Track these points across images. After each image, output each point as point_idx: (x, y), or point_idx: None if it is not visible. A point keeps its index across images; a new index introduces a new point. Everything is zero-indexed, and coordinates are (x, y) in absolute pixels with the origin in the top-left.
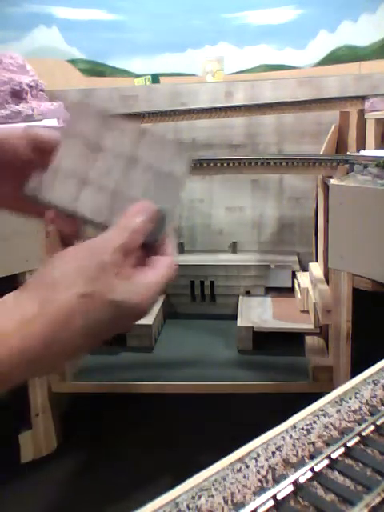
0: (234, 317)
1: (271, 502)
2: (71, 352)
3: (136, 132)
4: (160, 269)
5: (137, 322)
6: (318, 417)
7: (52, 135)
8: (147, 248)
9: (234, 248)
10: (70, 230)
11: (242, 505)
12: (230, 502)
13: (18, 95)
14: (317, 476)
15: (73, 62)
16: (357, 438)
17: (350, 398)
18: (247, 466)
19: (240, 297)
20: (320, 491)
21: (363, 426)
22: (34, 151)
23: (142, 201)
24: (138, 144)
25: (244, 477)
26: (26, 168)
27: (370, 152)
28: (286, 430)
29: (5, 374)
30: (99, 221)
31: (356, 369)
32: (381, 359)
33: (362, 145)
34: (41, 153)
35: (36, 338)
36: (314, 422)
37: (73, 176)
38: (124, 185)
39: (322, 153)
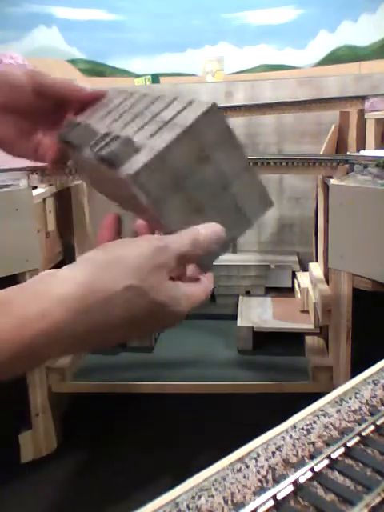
0: (234, 317)
1: (271, 502)
2: (100, 337)
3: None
4: (202, 286)
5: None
6: (317, 417)
7: (57, 82)
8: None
9: (233, 248)
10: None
11: (242, 505)
12: (229, 502)
13: None
14: (317, 476)
15: (73, 61)
16: (357, 438)
17: (350, 398)
18: (247, 466)
19: (240, 297)
20: (320, 491)
21: (363, 425)
22: (37, 95)
23: (219, 225)
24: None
25: (244, 477)
26: (28, 111)
27: (370, 152)
28: (286, 430)
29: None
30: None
31: (356, 369)
32: (381, 359)
33: (361, 145)
34: (44, 99)
35: (69, 311)
36: (314, 422)
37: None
38: (216, 214)
39: (322, 153)
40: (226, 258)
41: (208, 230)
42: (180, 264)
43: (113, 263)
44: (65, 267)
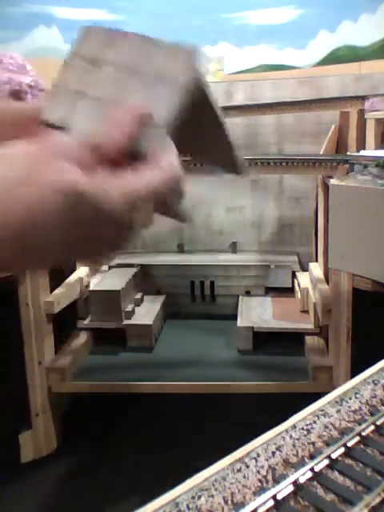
0: (234, 317)
1: (271, 502)
2: (18, 251)
3: (144, 43)
4: (145, 171)
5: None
6: (317, 417)
7: (33, 107)
8: (138, 159)
9: (234, 248)
10: None
11: (242, 505)
12: (229, 502)
13: (17, 95)
14: (317, 476)
15: None
16: (357, 438)
17: (350, 398)
18: (247, 466)
19: (240, 297)
20: (320, 491)
21: (363, 425)
22: (15, 122)
23: (128, 104)
24: (141, 54)
25: (244, 477)
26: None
27: (370, 152)
28: (286, 430)
29: None
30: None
31: (356, 369)
32: (381, 359)
33: (361, 145)
34: (22, 126)
35: None
36: (314, 422)
37: (70, 93)
38: (121, 95)
39: (322, 153)
40: (225, 258)
41: (115, 114)
42: (98, 156)
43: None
44: None
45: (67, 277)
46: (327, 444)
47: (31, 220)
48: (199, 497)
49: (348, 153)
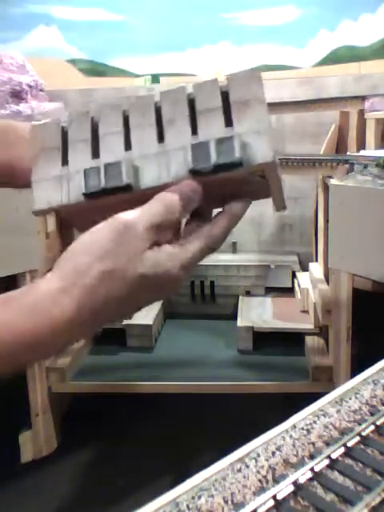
0: (234, 317)
1: (271, 502)
2: (95, 324)
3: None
4: (194, 241)
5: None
6: (318, 417)
7: (25, 126)
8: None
9: (233, 248)
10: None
11: (242, 505)
12: (230, 502)
13: (17, 95)
14: (317, 476)
15: (73, 61)
16: (357, 438)
17: (350, 398)
18: (247, 466)
19: (240, 297)
20: (320, 491)
21: (363, 426)
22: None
23: (188, 180)
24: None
25: (244, 477)
26: None
27: (370, 152)
28: (286, 430)
29: (13, 357)
30: (163, 182)
31: (356, 369)
32: (381, 359)
33: (361, 145)
34: (8, 145)
35: (48, 322)
36: (314, 422)
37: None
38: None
39: (322, 153)
40: (225, 258)
41: (176, 189)
42: (158, 233)
43: (79, 253)
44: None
45: None
46: (327, 444)
47: (105, 301)
48: (199, 497)
49: (348, 153)
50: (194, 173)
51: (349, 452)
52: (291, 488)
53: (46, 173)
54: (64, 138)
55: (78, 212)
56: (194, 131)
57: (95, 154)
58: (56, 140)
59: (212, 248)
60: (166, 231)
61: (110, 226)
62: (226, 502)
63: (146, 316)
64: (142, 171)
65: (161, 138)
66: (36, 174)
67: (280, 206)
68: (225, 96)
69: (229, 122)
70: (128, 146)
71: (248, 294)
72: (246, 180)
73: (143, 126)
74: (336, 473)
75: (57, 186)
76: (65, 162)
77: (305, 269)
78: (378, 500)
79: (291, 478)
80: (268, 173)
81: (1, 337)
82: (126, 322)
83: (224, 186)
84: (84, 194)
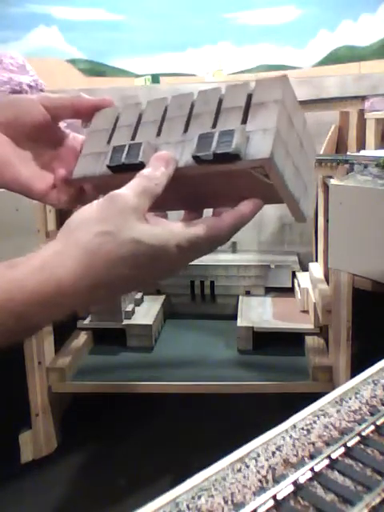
0: (234, 317)
1: (271, 502)
2: (98, 292)
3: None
4: (197, 224)
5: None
6: (318, 417)
7: (64, 100)
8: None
9: (233, 248)
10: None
11: (242, 505)
12: (230, 502)
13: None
14: (317, 476)
15: (73, 61)
16: (357, 438)
17: (350, 398)
18: (247, 466)
19: (240, 297)
20: (320, 491)
21: (363, 426)
22: (50, 116)
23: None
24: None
25: (244, 477)
26: (32, 133)
27: (370, 152)
28: (286, 430)
29: (24, 316)
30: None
31: (356, 369)
32: (381, 359)
33: (361, 145)
34: (57, 119)
35: (54, 281)
36: (314, 422)
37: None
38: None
39: (321, 153)
40: (225, 258)
41: (155, 165)
42: (145, 199)
43: (78, 224)
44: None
45: None
46: (327, 444)
47: (109, 264)
48: (199, 497)
49: (348, 153)
50: (196, 159)
51: (349, 452)
52: (291, 488)
53: (92, 149)
54: (115, 123)
55: (107, 187)
56: (214, 125)
57: (132, 137)
58: (109, 123)
59: (213, 240)
60: (153, 198)
61: (102, 198)
62: (226, 501)
63: (146, 316)
64: None
65: (186, 129)
66: (85, 149)
67: (297, 215)
68: (249, 97)
69: (244, 120)
70: (159, 133)
71: (248, 293)
72: (254, 179)
73: (175, 118)
74: (336, 473)
75: (96, 159)
76: (109, 141)
77: (305, 269)
78: (378, 500)
79: (291, 477)
80: (271, 174)
81: (12, 295)
82: (125, 321)
83: (235, 183)
84: (107, 166)
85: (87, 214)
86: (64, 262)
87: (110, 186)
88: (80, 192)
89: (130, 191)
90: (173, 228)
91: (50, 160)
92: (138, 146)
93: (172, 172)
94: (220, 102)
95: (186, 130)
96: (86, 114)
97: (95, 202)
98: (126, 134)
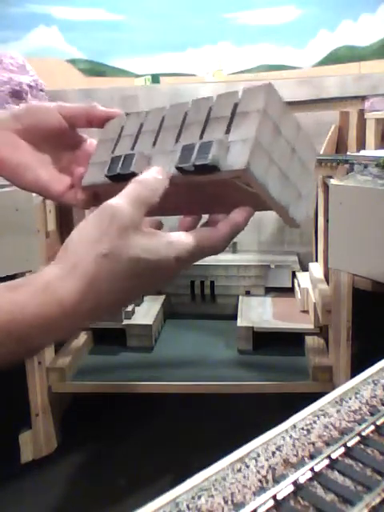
0: (234, 317)
1: (271, 502)
2: (100, 312)
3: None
4: (194, 235)
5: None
6: (318, 417)
7: (79, 109)
8: None
9: (234, 248)
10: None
11: (242, 505)
12: (230, 502)
13: (17, 95)
14: (317, 476)
15: (73, 61)
16: (357, 438)
17: (350, 398)
18: (247, 466)
19: (240, 297)
20: (320, 491)
21: (363, 426)
22: (61, 122)
23: (155, 167)
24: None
25: (244, 477)
26: (51, 137)
27: (370, 152)
28: (286, 430)
29: (25, 338)
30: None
31: (356, 369)
32: (381, 359)
33: (361, 145)
34: (72, 126)
35: (56, 304)
36: (314, 422)
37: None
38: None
39: (321, 153)
40: (225, 258)
41: (150, 172)
42: (141, 208)
43: (78, 245)
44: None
45: None
46: (327, 444)
47: (110, 287)
48: (199, 497)
49: (348, 153)
50: (180, 170)
51: (349, 452)
52: (291, 488)
53: (99, 158)
54: (120, 133)
55: (113, 195)
56: (201, 136)
57: (132, 146)
58: (115, 133)
59: (209, 249)
60: (148, 207)
61: (98, 211)
62: (226, 502)
63: (146, 316)
64: (151, 164)
65: (178, 139)
66: (93, 158)
67: (287, 221)
68: (236, 107)
69: (228, 130)
70: (155, 143)
71: (248, 293)
72: (239, 187)
73: (170, 128)
74: (336, 473)
75: (101, 168)
76: (113, 151)
77: (305, 269)
78: (378, 500)
79: (291, 477)
80: (251, 183)
81: (14, 317)
82: (125, 321)
83: (225, 191)
84: (105, 176)
85: (84, 232)
86: (65, 284)
87: (114, 194)
88: (95, 195)
89: (123, 200)
90: (171, 240)
91: (68, 163)
92: (131, 157)
93: (167, 180)
94: (210, 111)
95: (177, 140)
96: (98, 124)
97: (90, 215)
98: (128, 143)
